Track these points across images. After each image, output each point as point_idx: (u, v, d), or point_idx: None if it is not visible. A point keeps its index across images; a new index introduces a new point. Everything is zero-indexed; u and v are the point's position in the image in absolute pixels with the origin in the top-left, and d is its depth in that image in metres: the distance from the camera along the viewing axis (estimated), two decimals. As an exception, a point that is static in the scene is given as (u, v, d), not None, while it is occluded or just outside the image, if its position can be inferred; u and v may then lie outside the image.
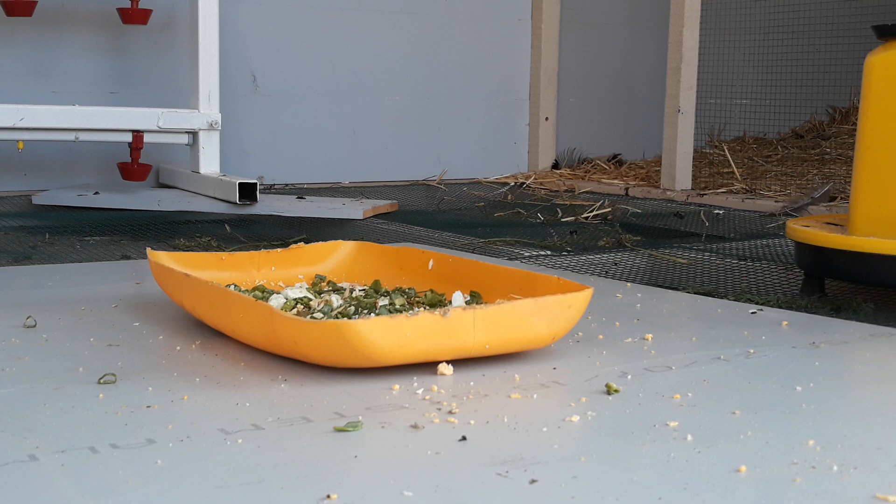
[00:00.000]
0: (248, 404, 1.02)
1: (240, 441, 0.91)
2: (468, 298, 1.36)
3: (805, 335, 1.36)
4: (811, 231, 1.67)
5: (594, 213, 2.80)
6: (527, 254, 2.12)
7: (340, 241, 1.63)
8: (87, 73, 3.10)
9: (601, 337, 1.32)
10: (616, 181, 3.52)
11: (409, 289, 1.43)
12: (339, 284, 1.49)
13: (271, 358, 1.19)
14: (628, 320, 1.43)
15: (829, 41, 4.31)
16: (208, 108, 2.84)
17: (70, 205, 2.72)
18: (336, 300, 1.33)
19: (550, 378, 1.13)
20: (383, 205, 2.81)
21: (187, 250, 1.97)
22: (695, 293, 1.70)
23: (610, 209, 2.87)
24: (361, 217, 2.67)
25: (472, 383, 1.11)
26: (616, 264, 2.01)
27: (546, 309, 1.18)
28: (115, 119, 2.74)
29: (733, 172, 3.47)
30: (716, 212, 2.91)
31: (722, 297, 1.66)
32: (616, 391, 1.07)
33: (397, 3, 3.61)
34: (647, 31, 4.17)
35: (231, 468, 0.84)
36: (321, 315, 1.27)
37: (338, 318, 1.26)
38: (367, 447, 0.90)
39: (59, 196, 2.76)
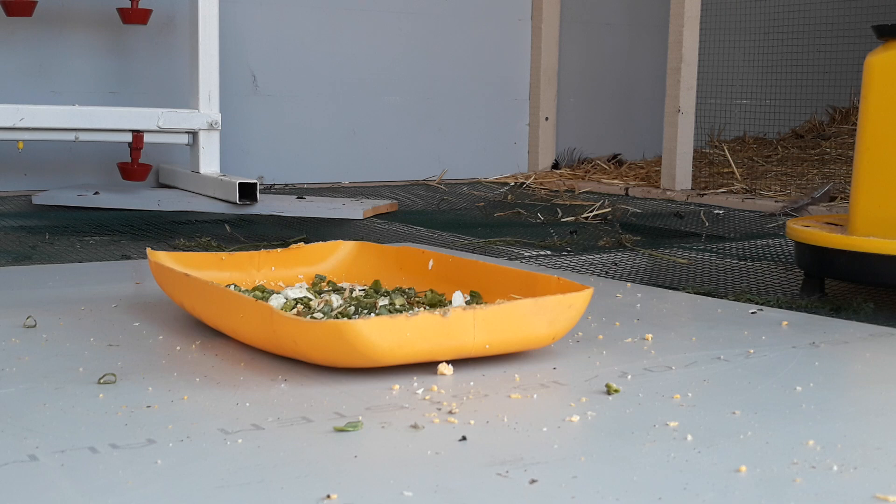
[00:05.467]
0: (248, 404, 1.02)
1: (240, 441, 0.91)
2: (468, 298, 1.36)
3: (805, 335, 1.36)
4: (811, 231, 1.67)
5: (594, 213, 2.80)
6: (527, 254, 2.12)
7: (340, 241, 1.63)
8: (87, 73, 3.10)
9: (601, 337, 1.32)
10: (616, 181, 3.52)
11: (409, 289, 1.43)
12: (339, 284, 1.49)
13: (271, 358, 1.19)
14: (628, 320, 1.43)
15: (829, 41, 4.31)
16: (208, 108, 2.84)
17: (70, 205, 2.72)
18: (336, 300, 1.33)
19: (550, 378, 1.13)
20: (383, 205, 2.81)
21: (187, 250, 1.97)
22: (695, 293, 1.70)
23: (610, 209, 2.87)
24: (361, 217, 2.67)
25: (472, 383, 1.11)
26: (616, 264, 2.01)
27: (546, 309, 1.18)
28: (115, 119, 2.74)
29: (733, 172, 3.47)
30: (716, 212, 2.91)
31: (722, 297, 1.66)
32: (616, 391, 1.07)
33: (397, 3, 3.61)
34: (647, 31, 4.17)
35: (231, 468, 0.84)
36: (321, 315, 1.27)
37: (338, 318, 1.26)
38: (367, 447, 0.90)
39: (59, 196, 2.76)
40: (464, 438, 0.92)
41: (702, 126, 4.18)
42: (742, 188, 3.18)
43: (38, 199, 2.75)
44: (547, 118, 3.88)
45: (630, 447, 0.91)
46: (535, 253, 2.14)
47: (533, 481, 0.82)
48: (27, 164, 3.00)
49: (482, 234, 2.41)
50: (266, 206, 2.68)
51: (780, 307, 1.58)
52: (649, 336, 1.32)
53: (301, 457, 0.87)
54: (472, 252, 2.11)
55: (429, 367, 1.15)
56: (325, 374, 1.13)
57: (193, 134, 2.85)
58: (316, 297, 1.38)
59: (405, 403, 1.03)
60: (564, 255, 2.12)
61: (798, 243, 1.70)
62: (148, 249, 1.46)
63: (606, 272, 1.91)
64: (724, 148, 3.86)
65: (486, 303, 1.31)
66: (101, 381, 1.09)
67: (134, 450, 0.88)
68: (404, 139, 3.67)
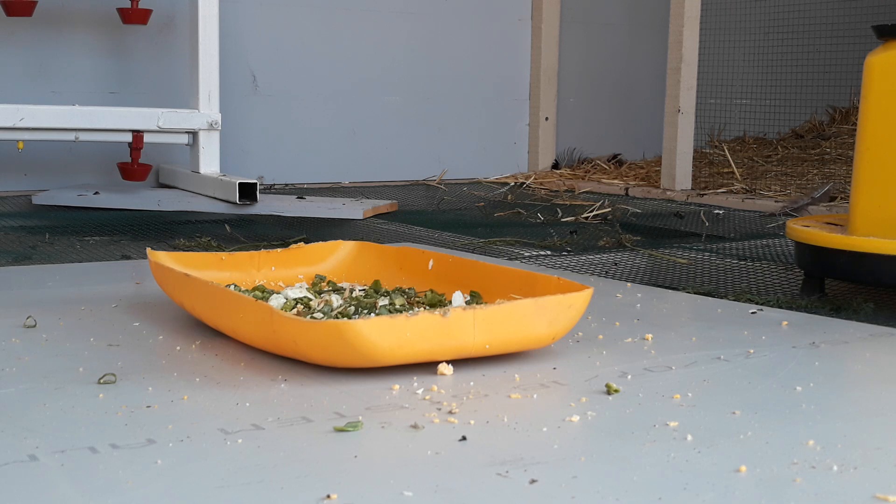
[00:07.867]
0: (248, 404, 1.02)
1: (240, 441, 0.91)
2: (468, 298, 1.36)
3: (805, 335, 1.36)
4: (811, 231, 1.67)
5: (594, 213, 2.80)
6: (527, 254, 2.12)
7: (340, 241, 1.63)
8: (87, 73, 3.09)
9: (601, 337, 1.32)
10: (616, 181, 3.52)
11: (409, 289, 1.43)
12: (339, 284, 1.49)
13: (271, 358, 1.19)
14: (628, 320, 1.43)
15: (829, 41, 4.31)
16: (208, 108, 2.84)
17: (70, 205, 2.72)
18: (336, 300, 1.33)
19: (550, 378, 1.13)
20: (383, 205, 2.81)
21: (187, 250, 1.97)
22: (695, 293, 1.70)
23: (610, 209, 2.87)
24: (361, 217, 2.67)
25: (472, 383, 1.11)
26: (616, 264, 2.01)
27: (546, 309, 1.18)
28: (115, 119, 2.74)
29: (733, 172, 3.47)
30: (716, 212, 2.91)
31: (722, 297, 1.66)
32: (616, 391, 1.07)
33: (397, 3, 3.61)
34: (647, 31, 4.17)
35: (231, 468, 0.84)
36: (321, 315, 1.27)
37: (338, 318, 1.26)
38: (367, 447, 0.90)
39: (59, 196, 2.76)
40: (464, 438, 0.92)
41: (702, 126, 4.18)
42: (742, 188, 3.18)
43: (38, 199, 2.75)
44: (547, 118, 3.88)
45: (630, 447, 0.91)
46: (535, 253, 2.14)
47: (533, 481, 0.82)
48: (27, 164, 3.00)
49: (482, 234, 2.41)
50: (266, 206, 2.68)
51: (780, 307, 1.58)
52: (649, 336, 1.32)
53: (301, 457, 0.87)
54: (472, 252, 2.11)
55: (429, 367, 1.15)
56: (325, 374, 1.13)
57: (193, 134, 2.85)
58: (316, 297, 1.38)
59: (405, 403, 1.03)
60: (564, 255, 2.12)
61: (798, 243, 1.70)
62: (148, 249, 1.46)
63: (606, 272, 1.91)
64: (724, 148, 3.86)
65: (486, 303, 1.31)
66: (101, 381, 1.09)
67: (134, 450, 0.88)
68: (404, 139, 3.67)
